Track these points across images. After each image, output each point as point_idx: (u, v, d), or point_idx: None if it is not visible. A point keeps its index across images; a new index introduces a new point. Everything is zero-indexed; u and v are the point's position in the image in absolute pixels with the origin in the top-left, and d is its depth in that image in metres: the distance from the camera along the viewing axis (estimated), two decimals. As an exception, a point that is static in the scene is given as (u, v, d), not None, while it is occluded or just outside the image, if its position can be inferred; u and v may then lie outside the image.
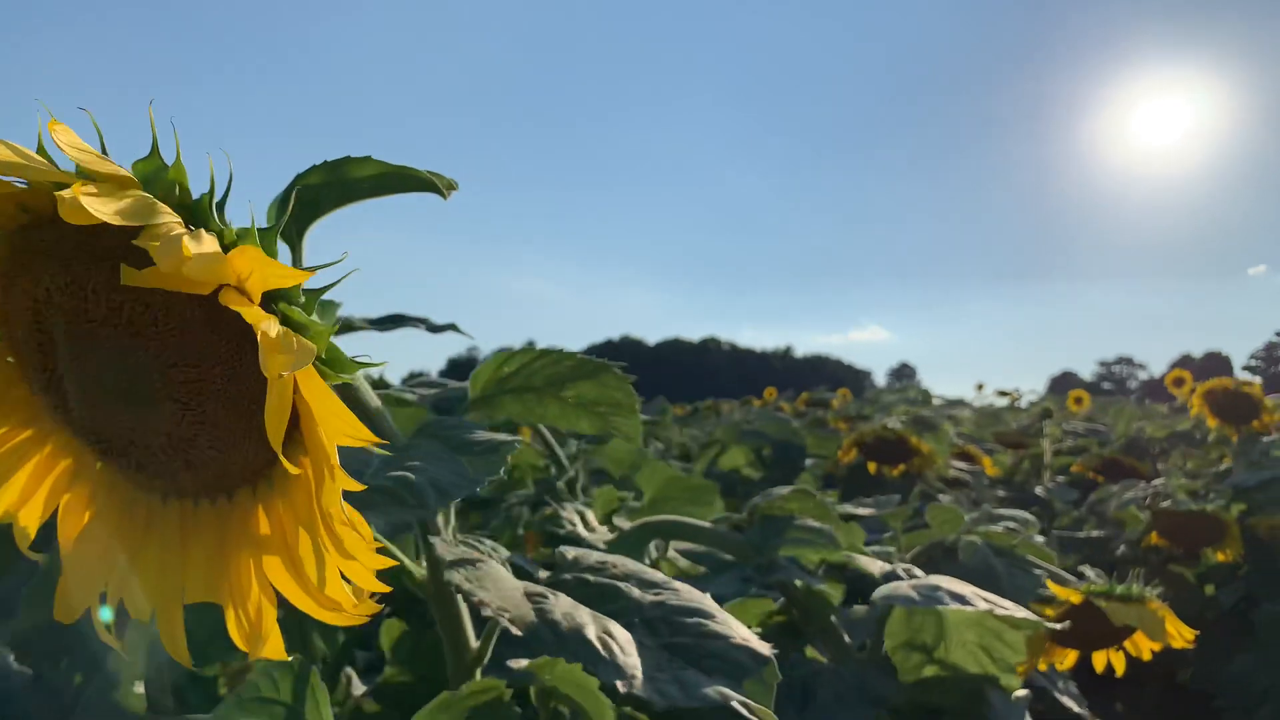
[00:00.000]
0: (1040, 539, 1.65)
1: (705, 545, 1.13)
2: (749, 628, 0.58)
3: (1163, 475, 2.70)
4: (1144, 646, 1.10)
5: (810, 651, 1.00)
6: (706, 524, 1.10)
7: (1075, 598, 1.02)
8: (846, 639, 0.99)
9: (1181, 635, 1.01)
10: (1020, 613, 0.84)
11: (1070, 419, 4.08)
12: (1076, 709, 1.11)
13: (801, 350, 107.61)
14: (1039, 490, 2.97)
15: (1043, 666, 1.09)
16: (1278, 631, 1.84)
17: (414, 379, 0.80)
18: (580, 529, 1.15)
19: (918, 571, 1.00)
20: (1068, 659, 1.10)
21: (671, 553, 1.26)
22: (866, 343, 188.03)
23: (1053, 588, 1.06)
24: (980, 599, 0.85)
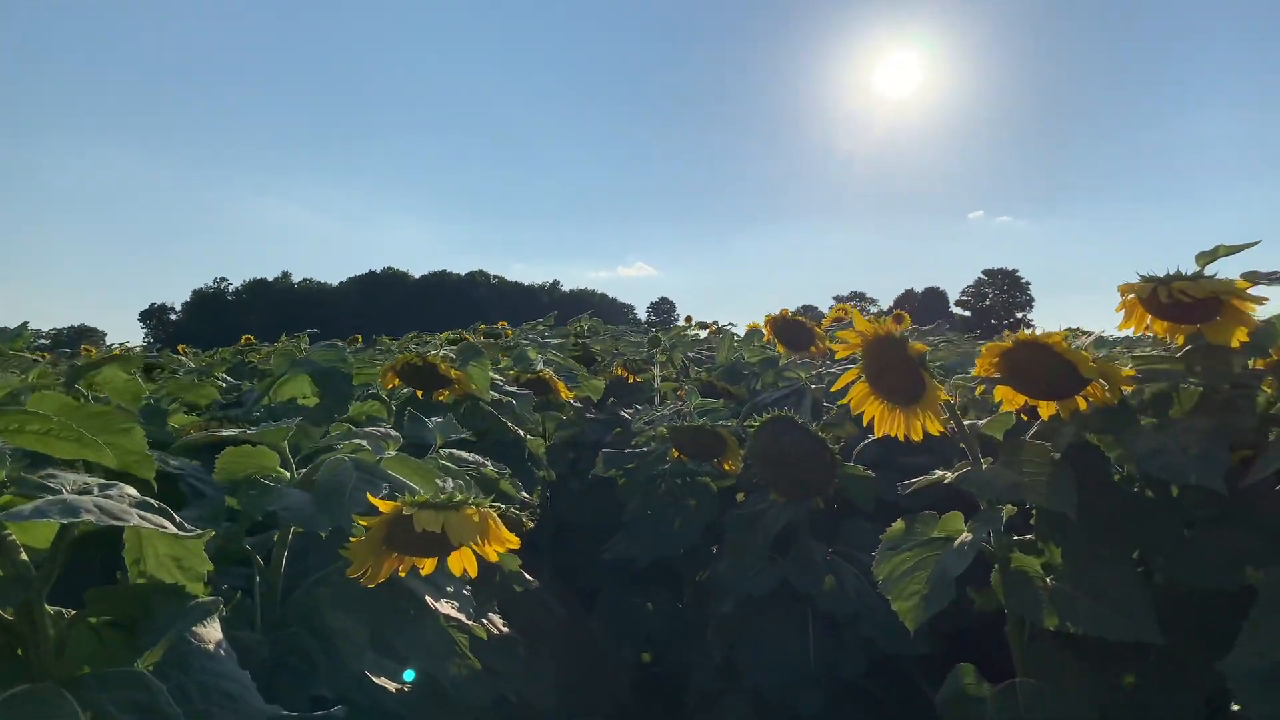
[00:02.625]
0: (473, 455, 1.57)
1: None
2: None
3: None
4: (489, 550, 1.14)
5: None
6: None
7: (386, 507, 1.09)
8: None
9: (505, 540, 1.13)
10: (174, 530, 0.83)
11: (696, 348, 4.21)
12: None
13: (569, 286, 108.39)
14: (625, 413, 3.01)
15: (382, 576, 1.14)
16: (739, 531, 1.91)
17: None
18: None
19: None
20: (403, 565, 1.17)
21: None
22: (634, 279, 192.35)
23: (374, 500, 1.11)
24: (138, 517, 0.81)
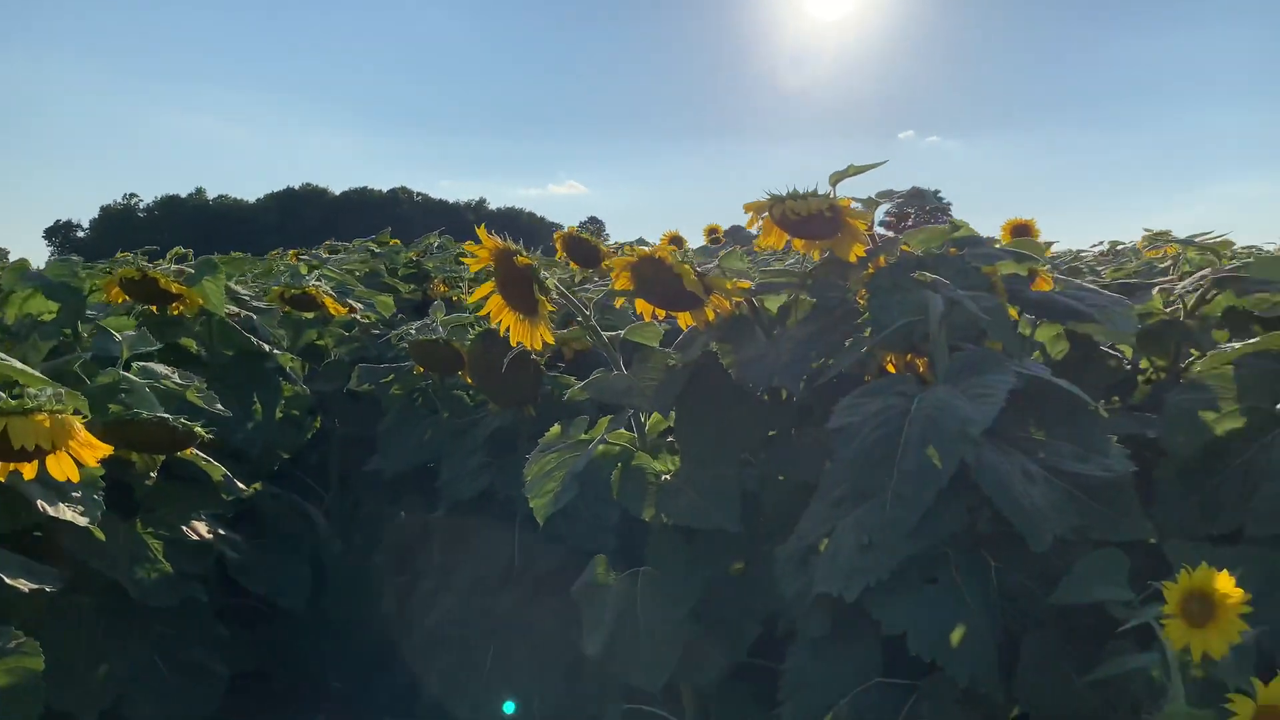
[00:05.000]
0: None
1: None
2: None
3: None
4: (83, 455, 1.19)
5: None
6: None
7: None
8: None
9: (94, 446, 1.18)
10: None
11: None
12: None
13: (497, 204, 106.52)
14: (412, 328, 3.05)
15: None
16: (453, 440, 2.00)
17: None
18: None
19: None
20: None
21: None
22: (565, 196, 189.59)
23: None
24: None
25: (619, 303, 1.59)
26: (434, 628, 1.95)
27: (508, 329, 1.42)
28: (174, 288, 2.03)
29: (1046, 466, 1.10)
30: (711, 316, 1.46)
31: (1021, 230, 4.18)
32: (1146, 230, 4.01)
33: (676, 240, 6.27)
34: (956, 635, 1.02)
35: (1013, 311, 1.45)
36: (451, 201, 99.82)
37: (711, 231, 5.94)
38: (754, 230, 1.53)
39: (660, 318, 1.51)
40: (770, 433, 1.50)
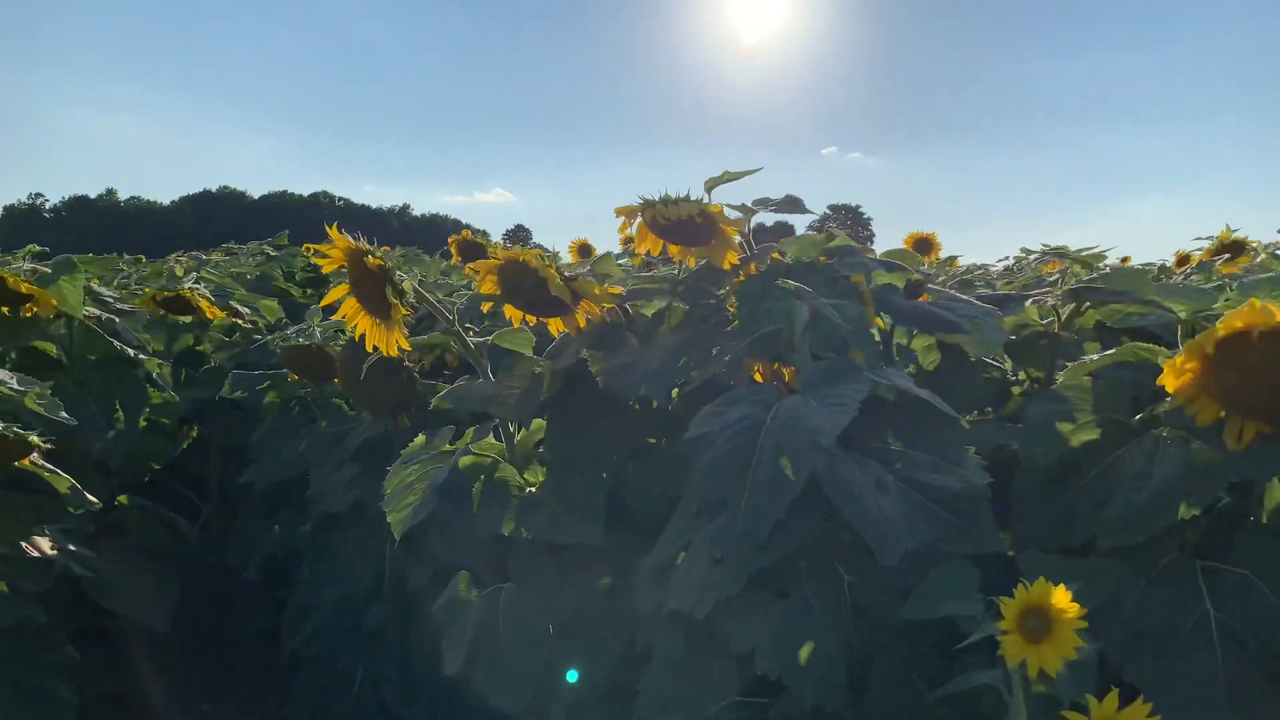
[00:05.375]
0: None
1: None
2: None
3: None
4: None
5: None
6: None
7: None
8: None
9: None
10: None
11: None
12: None
13: (421, 210, 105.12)
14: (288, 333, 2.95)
15: None
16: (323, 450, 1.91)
17: None
18: None
19: None
20: None
21: None
22: (491, 204, 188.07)
23: None
24: None
25: (485, 307, 1.54)
26: (303, 646, 1.86)
27: (363, 334, 1.35)
28: (24, 288, 1.90)
29: (902, 477, 1.08)
30: (583, 323, 1.41)
31: (923, 243, 4.25)
32: (1044, 245, 4.12)
33: (585, 248, 6.23)
34: (805, 652, 0.99)
35: (880, 322, 1.44)
36: (374, 207, 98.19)
37: (628, 241, 5.85)
38: (628, 236, 1.49)
39: (531, 323, 1.46)
40: (643, 442, 1.45)
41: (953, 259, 5.51)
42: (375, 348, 1.35)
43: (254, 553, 2.19)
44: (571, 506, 1.31)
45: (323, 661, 1.83)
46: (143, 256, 5.84)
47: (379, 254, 1.25)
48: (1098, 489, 1.11)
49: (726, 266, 1.44)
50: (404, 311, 1.26)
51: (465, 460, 1.41)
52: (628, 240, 5.40)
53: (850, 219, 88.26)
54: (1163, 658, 1.01)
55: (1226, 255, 2.63)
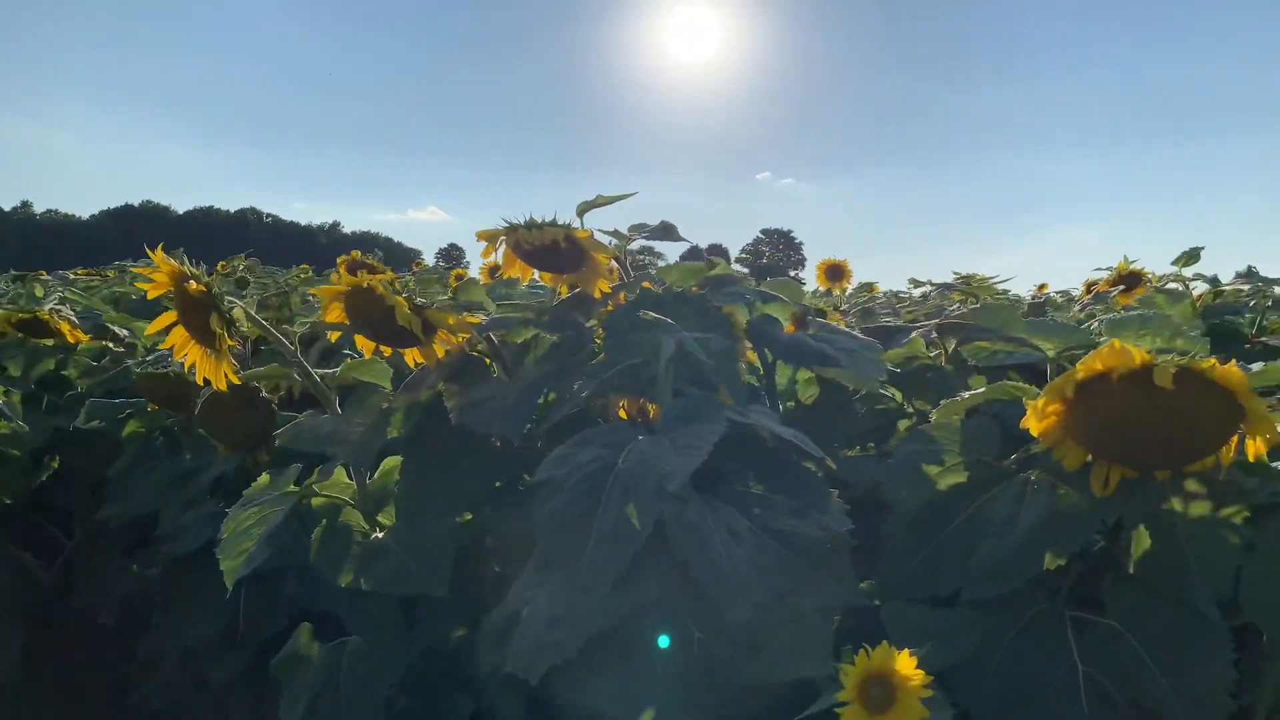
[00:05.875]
0: None
1: None
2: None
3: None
4: None
5: None
6: None
7: None
8: None
9: None
10: None
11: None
12: None
13: (353, 227, 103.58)
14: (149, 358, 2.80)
15: None
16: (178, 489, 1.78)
17: None
18: None
19: None
20: None
21: None
22: (426, 222, 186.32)
23: None
24: None
25: (334, 336, 1.43)
26: (148, 699, 1.72)
27: (193, 364, 1.24)
28: None
29: (760, 524, 1.01)
30: (441, 353, 1.32)
31: (834, 270, 4.24)
32: (955, 273, 4.15)
33: (495, 268, 6.18)
34: (647, 718, 0.91)
35: (751, 356, 1.38)
36: (304, 224, 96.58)
37: (493, 269, 5.83)
38: (494, 263, 1.41)
39: (386, 354, 1.36)
40: (509, 482, 1.36)
41: (871, 285, 5.54)
42: (199, 379, 1.24)
43: (110, 595, 2.03)
44: (418, 554, 1.21)
45: (170, 717, 1.69)
46: (43, 272, 5.58)
47: (204, 279, 1.15)
48: (965, 536, 1.06)
49: (597, 294, 1.37)
50: (231, 342, 1.15)
51: (314, 501, 1.31)
52: (493, 267, 5.36)
53: (782, 243, 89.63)
54: (1030, 715, 0.95)
55: (1123, 286, 2.65)
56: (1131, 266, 2.74)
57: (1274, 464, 0.93)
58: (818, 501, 1.05)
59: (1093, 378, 0.89)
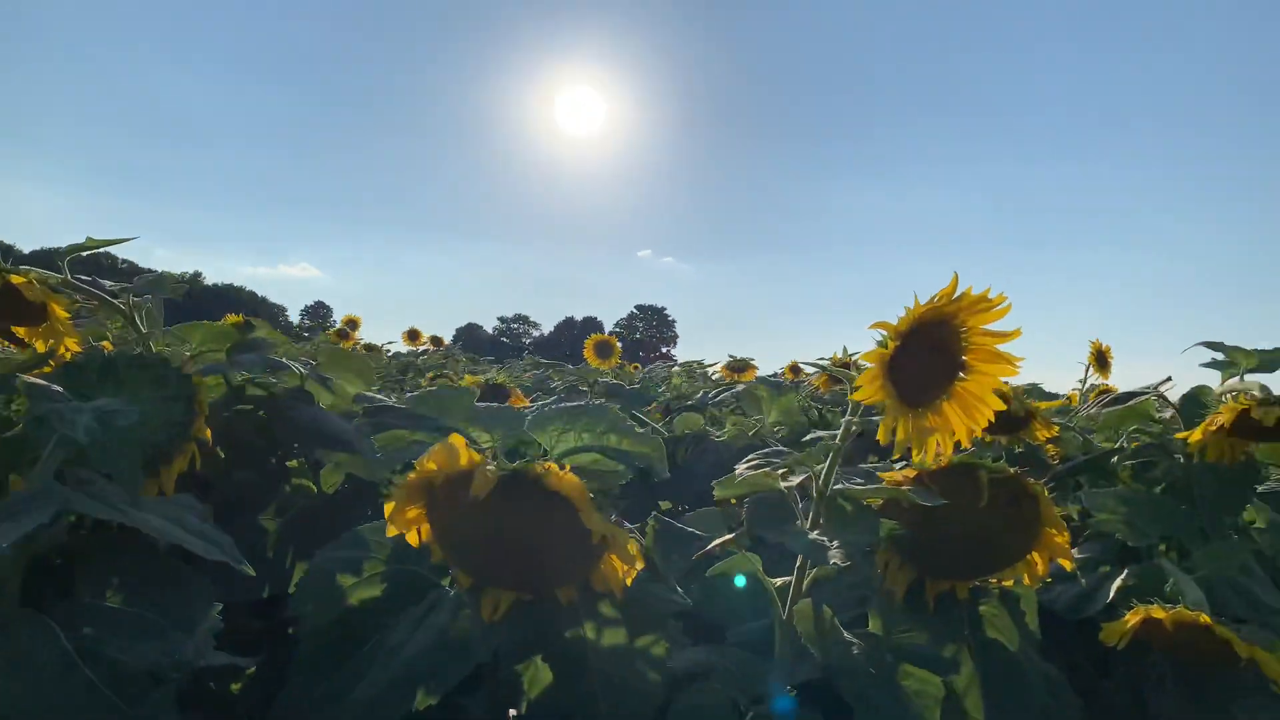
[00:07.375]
0: None
1: None
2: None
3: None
4: None
5: None
6: None
7: None
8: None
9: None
10: None
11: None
12: None
13: (215, 279, 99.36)
14: None
15: None
16: None
17: None
18: None
19: None
20: None
21: None
22: (298, 279, 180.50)
23: None
24: None
25: None
26: None
27: None
28: None
29: (87, 648, 0.80)
30: None
31: (604, 346, 4.13)
32: (730, 356, 4.17)
33: (352, 323, 5.83)
34: None
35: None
36: (160, 271, 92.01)
37: (473, 326, 5.60)
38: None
39: None
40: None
41: (692, 363, 5.47)
42: None
43: None
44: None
45: None
46: None
47: None
48: (369, 662, 0.88)
49: (42, 348, 1.16)
50: None
51: None
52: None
53: (655, 319, 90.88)
54: None
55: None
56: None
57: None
58: (195, 616, 0.86)
59: (428, 480, 0.73)
